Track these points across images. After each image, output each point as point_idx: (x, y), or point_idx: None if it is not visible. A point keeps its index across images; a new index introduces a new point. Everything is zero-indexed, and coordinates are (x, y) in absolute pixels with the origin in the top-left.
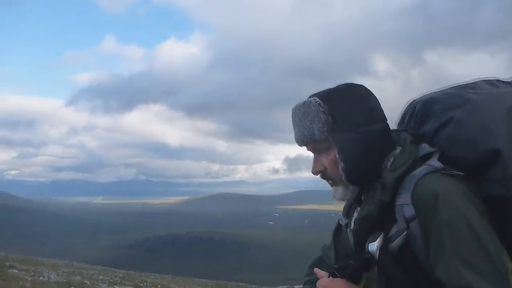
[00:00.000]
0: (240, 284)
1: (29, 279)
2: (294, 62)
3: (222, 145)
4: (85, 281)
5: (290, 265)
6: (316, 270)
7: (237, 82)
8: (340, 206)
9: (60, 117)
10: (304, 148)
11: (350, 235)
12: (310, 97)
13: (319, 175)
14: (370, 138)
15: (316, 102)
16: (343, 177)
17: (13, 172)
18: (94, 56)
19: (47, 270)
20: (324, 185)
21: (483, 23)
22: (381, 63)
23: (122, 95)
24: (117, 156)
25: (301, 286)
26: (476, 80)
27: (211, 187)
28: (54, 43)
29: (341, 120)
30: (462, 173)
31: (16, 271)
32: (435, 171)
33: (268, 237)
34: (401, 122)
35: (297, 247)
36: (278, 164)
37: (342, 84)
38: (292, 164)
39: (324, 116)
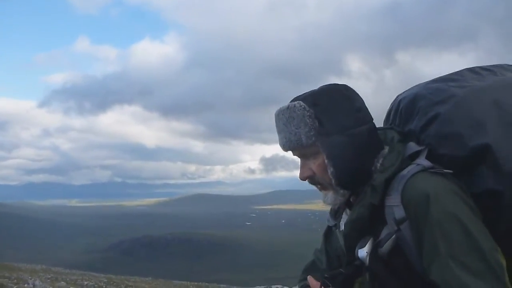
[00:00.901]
0: (221, 285)
1: (14, 287)
2: (269, 62)
3: (198, 146)
4: (71, 287)
5: (268, 264)
6: (309, 277)
7: (212, 82)
8: (315, 206)
9: (33, 118)
10: (290, 152)
11: (340, 237)
12: (293, 100)
13: (307, 180)
14: (359, 140)
15: (300, 106)
16: (333, 182)
17: None
18: (67, 57)
19: (29, 277)
20: (301, 185)
21: (453, 24)
22: (354, 63)
23: (96, 96)
24: (92, 158)
25: (279, 286)
26: (461, 70)
27: (188, 188)
28: (27, 43)
29: (328, 123)
30: (451, 171)
31: None
32: (424, 170)
33: (246, 237)
34: (387, 119)
35: (275, 247)
36: (255, 164)
37: (325, 86)
38: (268, 164)
39: (310, 120)
